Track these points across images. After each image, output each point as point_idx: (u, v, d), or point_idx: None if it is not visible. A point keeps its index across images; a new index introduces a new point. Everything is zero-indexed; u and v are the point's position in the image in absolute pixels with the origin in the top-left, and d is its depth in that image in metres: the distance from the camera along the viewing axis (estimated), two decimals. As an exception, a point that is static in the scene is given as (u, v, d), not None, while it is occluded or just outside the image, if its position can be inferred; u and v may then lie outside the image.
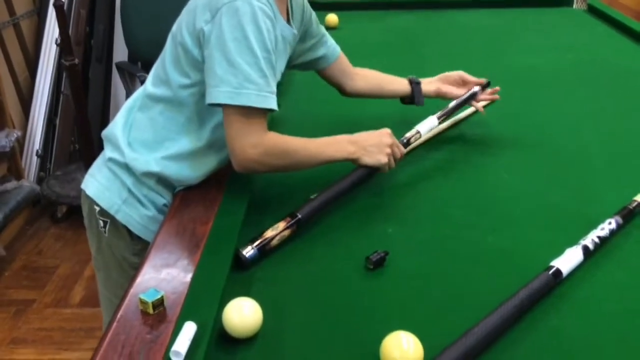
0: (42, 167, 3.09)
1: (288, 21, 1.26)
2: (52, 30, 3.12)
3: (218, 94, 1.07)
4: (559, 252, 1.02)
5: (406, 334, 0.82)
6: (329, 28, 2.47)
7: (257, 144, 1.10)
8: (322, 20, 2.48)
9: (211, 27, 1.07)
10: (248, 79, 1.06)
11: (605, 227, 1.09)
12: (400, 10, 2.73)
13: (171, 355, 0.77)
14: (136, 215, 1.22)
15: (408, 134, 1.35)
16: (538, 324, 0.91)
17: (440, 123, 1.44)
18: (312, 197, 1.16)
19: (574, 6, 2.75)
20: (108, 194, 1.23)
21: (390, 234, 1.14)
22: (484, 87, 1.52)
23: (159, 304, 0.85)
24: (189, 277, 0.94)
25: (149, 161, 1.19)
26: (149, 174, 1.20)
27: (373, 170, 1.23)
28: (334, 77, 1.50)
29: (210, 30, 1.07)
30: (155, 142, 1.21)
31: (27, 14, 3.12)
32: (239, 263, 1.02)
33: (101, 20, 3.30)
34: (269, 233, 1.06)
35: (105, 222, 1.24)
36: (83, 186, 1.28)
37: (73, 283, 2.52)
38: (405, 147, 1.31)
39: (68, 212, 2.94)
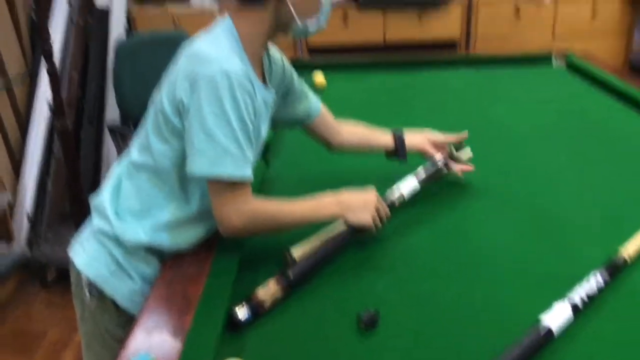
0: (33, 229, 3.08)
1: (264, 82, 1.29)
2: (44, 92, 3.17)
3: (196, 165, 1.10)
4: (544, 306, 1.03)
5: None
6: (316, 87, 2.54)
7: (241, 212, 1.14)
8: (309, 79, 2.56)
9: (190, 98, 1.09)
10: (225, 151, 1.09)
11: (592, 282, 1.11)
12: (384, 70, 2.80)
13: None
14: (124, 288, 1.22)
15: (392, 197, 1.38)
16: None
17: (421, 183, 1.46)
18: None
19: (554, 64, 2.84)
20: (96, 264, 1.23)
21: (380, 290, 1.15)
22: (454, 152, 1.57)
23: (151, 369, 0.86)
24: (180, 340, 0.94)
25: (138, 231, 1.20)
26: (138, 245, 1.20)
27: (361, 229, 1.25)
28: (319, 133, 1.54)
29: (189, 101, 1.10)
30: (143, 211, 1.21)
31: (19, 76, 3.17)
32: (233, 322, 1.03)
33: (93, 82, 3.36)
34: (261, 294, 1.07)
35: (91, 292, 1.23)
36: (71, 254, 1.28)
37: (63, 348, 2.48)
38: (390, 209, 1.33)
39: (58, 276, 2.91)
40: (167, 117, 1.14)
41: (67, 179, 3.06)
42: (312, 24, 1.22)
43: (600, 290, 1.10)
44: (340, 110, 2.29)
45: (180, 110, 1.12)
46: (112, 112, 3.36)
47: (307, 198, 1.24)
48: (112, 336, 1.25)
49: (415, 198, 1.51)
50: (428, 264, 1.24)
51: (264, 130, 1.30)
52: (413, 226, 1.40)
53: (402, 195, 1.39)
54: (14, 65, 3.14)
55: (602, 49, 3.48)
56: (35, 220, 3.08)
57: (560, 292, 1.07)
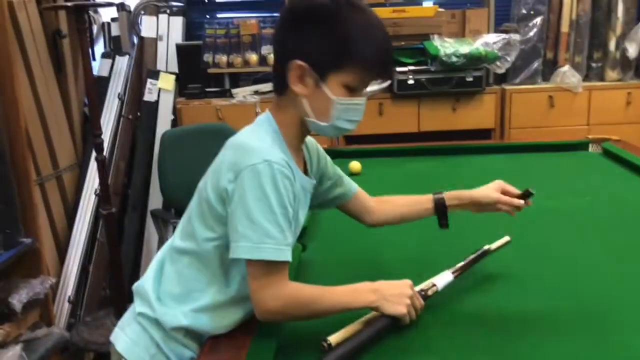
0: (72, 313, 3.13)
1: (306, 172, 1.35)
2: (92, 181, 3.31)
3: (239, 249, 1.14)
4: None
5: None
6: (352, 174, 2.59)
7: (277, 296, 1.16)
8: (346, 166, 2.62)
9: (234, 186, 1.15)
10: (267, 234, 1.13)
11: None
12: (418, 156, 2.84)
13: None
14: None
15: (426, 287, 1.36)
16: None
17: (455, 278, 1.44)
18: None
19: (590, 149, 2.85)
20: (137, 349, 1.25)
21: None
22: (525, 196, 1.56)
23: None
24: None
25: (178, 315, 1.23)
26: (178, 328, 1.23)
27: (395, 320, 1.25)
28: (353, 212, 1.58)
29: (233, 189, 1.15)
30: (184, 295, 1.24)
31: (69, 167, 3.33)
32: None
33: (139, 171, 3.50)
34: None
35: None
36: (112, 339, 1.30)
37: None
38: (424, 300, 1.32)
39: (95, 359, 2.93)
40: (211, 205, 1.20)
41: (109, 264, 3.13)
42: (326, 126, 1.25)
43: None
44: (376, 194, 2.33)
45: (224, 198, 1.17)
46: (155, 200, 3.47)
47: (344, 286, 1.25)
48: None
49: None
50: (465, 352, 1.22)
51: (302, 215, 1.34)
52: (446, 316, 1.37)
53: (435, 286, 1.39)
54: (65, 156, 3.30)
55: (638, 136, 3.48)
56: (75, 304, 3.14)
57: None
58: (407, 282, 1.28)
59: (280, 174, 1.14)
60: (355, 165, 2.62)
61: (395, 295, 1.24)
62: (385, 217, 1.59)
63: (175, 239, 1.30)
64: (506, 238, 1.64)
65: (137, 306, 1.29)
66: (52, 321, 2.93)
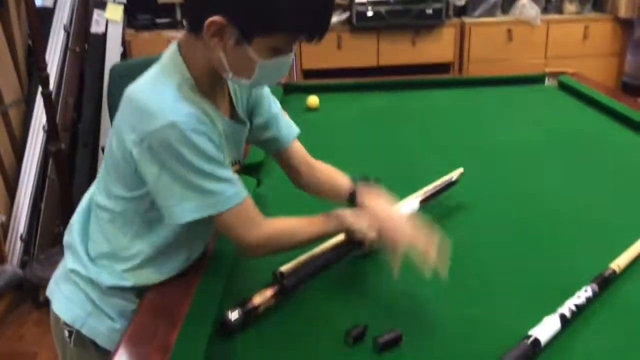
0: (25, 251, 3.07)
1: (233, 112, 1.22)
2: (39, 117, 3.19)
3: (184, 212, 1.05)
4: (536, 321, 1.02)
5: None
6: (310, 109, 2.56)
7: (256, 234, 1.12)
8: (303, 101, 2.58)
9: (140, 152, 1.03)
10: (206, 192, 1.05)
11: (582, 295, 1.11)
12: (377, 91, 2.82)
13: None
14: (103, 328, 1.18)
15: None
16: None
17: (421, 205, 1.45)
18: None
19: (546, 84, 2.86)
20: (72, 306, 1.19)
21: (369, 307, 1.14)
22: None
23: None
24: (164, 357, 0.93)
25: (112, 274, 1.16)
26: (115, 287, 1.16)
27: (360, 244, 1.23)
28: (284, 166, 1.39)
29: (140, 154, 1.03)
30: (113, 254, 1.17)
31: (15, 102, 3.19)
32: (224, 327, 1.04)
33: (89, 106, 3.38)
34: (257, 299, 1.10)
35: (70, 333, 1.19)
36: (48, 293, 1.24)
37: (54, 370, 2.45)
38: None
39: (51, 297, 2.90)
40: (120, 164, 1.09)
41: (60, 201, 3.06)
42: (245, 83, 1.09)
43: (589, 302, 1.10)
44: (334, 130, 2.31)
45: (129, 161, 1.06)
46: (106, 135, 3.37)
47: (320, 215, 1.22)
48: None
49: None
50: (415, 281, 1.23)
51: (236, 153, 1.24)
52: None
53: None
54: (10, 91, 3.16)
55: (594, 70, 3.51)
56: (28, 242, 3.07)
57: (551, 307, 1.06)
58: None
59: (191, 131, 1.01)
60: (313, 100, 2.58)
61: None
62: (308, 190, 1.40)
63: (96, 192, 1.19)
64: (459, 170, 1.65)
65: (68, 262, 1.21)
66: (4, 259, 2.88)
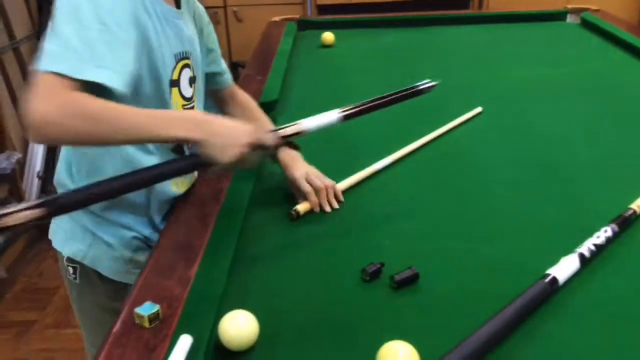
0: (43, 188, 3.10)
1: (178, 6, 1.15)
2: (51, 53, 3.15)
3: (38, 64, 0.91)
4: (554, 261, 1.02)
5: (402, 343, 0.82)
6: (325, 46, 2.51)
7: (54, 98, 0.89)
8: (318, 38, 2.52)
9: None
10: (66, 47, 0.91)
11: (601, 235, 1.10)
12: (394, 27, 2.75)
13: (166, 368, 0.77)
14: (104, 257, 1.19)
15: (288, 129, 1.11)
16: (535, 331, 0.91)
17: (345, 119, 1.15)
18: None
19: (567, 20, 2.78)
20: (71, 241, 1.20)
21: (386, 245, 1.14)
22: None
23: (155, 317, 0.86)
24: (184, 290, 0.94)
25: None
26: (105, 207, 1.15)
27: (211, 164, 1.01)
28: (215, 98, 1.40)
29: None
30: (93, 168, 1.13)
31: (27, 37, 3.15)
32: None
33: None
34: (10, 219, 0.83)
35: (74, 269, 1.21)
36: (50, 235, 1.24)
37: (73, 303, 2.51)
38: (281, 145, 1.13)
39: (68, 233, 2.94)
40: None
41: (76, 139, 3.07)
42: None
43: (609, 242, 1.09)
44: (349, 67, 2.27)
45: None
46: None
47: (160, 110, 1.05)
48: (103, 309, 1.22)
49: (424, 156, 1.50)
50: (435, 222, 1.23)
51: (167, 47, 1.11)
52: (421, 184, 1.40)
53: (301, 127, 1.11)
54: (21, 26, 3.12)
55: (618, 6, 3.39)
56: (44, 180, 3.10)
57: (570, 248, 1.05)
58: (250, 128, 1.03)
59: None
60: (328, 36, 2.52)
61: (228, 135, 0.99)
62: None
63: None
64: (478, 109, 1.62)
65: None
66: (22, 197, 2.91)
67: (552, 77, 2.08)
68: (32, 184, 3.08)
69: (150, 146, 1.14)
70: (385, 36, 2.65)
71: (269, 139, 1.06)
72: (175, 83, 1.14)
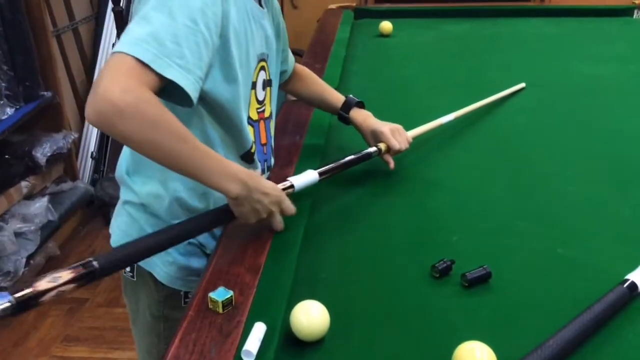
0: (96, 169, 3.16)
1: (261, 5, 1.15)
2: (109, 35, 3.20)
3: (117, 45, 0.89)
4: (633, 265, 0.98)
5: (480, 344, 0.80)
6: (382, 35, 2.47)
7: (130, 89, 0.85)
8: (376, 27, 2.49)
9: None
10: (153, 36, 0.88)
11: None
12: (455, 18, 2.70)
13: (243, 354, 0.77)
14: (159, 261, 1.16)
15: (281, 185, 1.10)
16: (614, 338, 0.87)
17: (322, 179, 1.18)
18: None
19: (635, 16, 2.68)
20: (127, 239, 1.15)
21: (455, 242, 1.12)
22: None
23: (228, 303, 0.85)
24: (255, 278, 0.94)
25: (157, 190, 1.12)
26: (164, 207, 1.12)
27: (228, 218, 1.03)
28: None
29: None
30: (152, 167, 1.10)
31: (86, 19, 3.20)
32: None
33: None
34: (44, 285, 0.77)
35: (132, 267, 1.19)
36: (110, 230, 1.23)
37: (124, 283, 2.55)
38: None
39: (120, 214, 3.00)
40: None
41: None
42: None
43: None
44: (407, 58, 2.23)
45: None
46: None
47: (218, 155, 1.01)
48: (152, 314, 1.20)
49: (495, 152, 1.47)
50: (507, 220, 1.19)
51: (256, 47, 1.12)
52: (493, 182, 1.36)
53: (292, 186, 1.12)
54: (81, 7, 3.17)
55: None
56: (98, 160, 3.16)
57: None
58: (280, 196, 1.04)
59: None
60: (386, 25, 2.49)
61: (262, 201, 1.01)
62: (299, 95, 1.47)
63: None
64: (521, 84, 1.57)
65: (121, 195, 1.19)
66: (76, 176, 2.97)
67: (619, 72, 2.02)
68: (85, 164, 3.14)
69: (220, 152, 1.09)
70: (445, 27, 2.60)
71: (290, 209, 1.06)
72: (253, 85, 1.14)
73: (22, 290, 0.75)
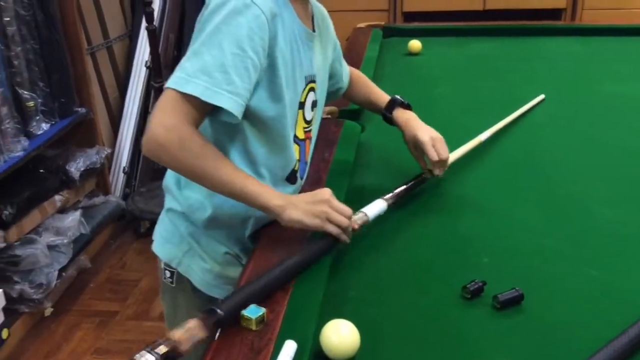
0: (127, 183, 3.21)
1: (313, 30, 1.19)
2: (142, 53, 3.27)
3: (171, 80, 1.00)
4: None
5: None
6: (412, 54, 2.48)
7: (173, 127, 0.98)
8: (405, 46, 2.50)
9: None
10: (203, 70, 0.97)
11: None
12: (483, 37, 2.70)
13: (274, 372, 0.77)
14: (197, 268, 1.20)
15: (355, 217, 1.12)
16: (647, 363, 0.86)
17: (389, 207, 1.20)
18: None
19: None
20: (168, 245, 1.22)
21: (486, 263, 1.11)
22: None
23: (261, 320, 0.86)
24: (285, 295, 0.94)
25: (202, 201, 1.15)
26: (205, 217, 1.16)
27: (328, 247, 1.06)
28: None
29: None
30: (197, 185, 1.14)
31: (119, 37, 3.27)
32: None
33: (189, 43, 3.42)
34: (177, 334, 0.83)
35: (172, 273, 1.23)
36: (153, 236, 1.27)
37: (154, 296, 2.58)
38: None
39: (151, 227, 3.02)
40: None
41: (161, 137, 3.16)
42: None
43: None
44: (436, 76, 2.24)
45: None
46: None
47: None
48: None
49: (521, 170, 1.46)
50: (534, 240, 1.19)
51: (306, 67, 1.16)
52: (519, 201, 1.35)
53: (365, 215, 1.15)
54: (115, 26, 3.24)
55: None
56: (130, 175, 3.21)
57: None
58: (324, 190, 1.08)
59: (252, 17, 0.99)
60: (415, 44, 2.50)
61: (307, 202, 1.05)
62: (351, 99, 1.54)
63: None
64: (541, 96, 1.67)
65: (166, 203, 1.24)
66: (108, 190, 3.02)
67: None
68: (117, 179, 3.20)
69: (264, 171, 1.15)
70: (474, 46, 2.60)
71: (341, 207, 1.07)
72: (301, 105, 1.18)
73: (161, 344, 0.82)
